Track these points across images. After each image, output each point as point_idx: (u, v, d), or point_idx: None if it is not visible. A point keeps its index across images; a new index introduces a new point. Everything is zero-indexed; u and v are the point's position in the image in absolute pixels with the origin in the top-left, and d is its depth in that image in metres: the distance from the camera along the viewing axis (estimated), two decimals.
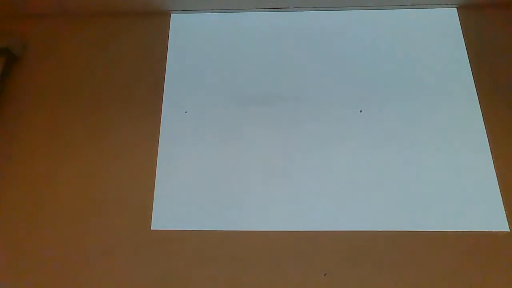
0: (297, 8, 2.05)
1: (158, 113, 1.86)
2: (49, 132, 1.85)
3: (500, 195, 1.62)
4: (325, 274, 1.54)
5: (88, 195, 1.72)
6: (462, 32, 1.95)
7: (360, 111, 1.83)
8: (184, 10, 2.09)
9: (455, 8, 2.01)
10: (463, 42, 1.92)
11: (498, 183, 1.64)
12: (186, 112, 1.87)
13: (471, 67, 1.86)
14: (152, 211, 1.68)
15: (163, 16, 2.09)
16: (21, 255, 1.64)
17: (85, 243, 1.64)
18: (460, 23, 1.97)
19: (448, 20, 1.99)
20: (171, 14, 2.09)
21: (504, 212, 1.59)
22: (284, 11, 2.06)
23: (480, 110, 1.77)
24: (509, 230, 1.57)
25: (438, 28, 1.98)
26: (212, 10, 2.08)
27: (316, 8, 2.05)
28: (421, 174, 1.69)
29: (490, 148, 1.70)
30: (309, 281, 1.54)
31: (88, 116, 1.88)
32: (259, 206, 1.67)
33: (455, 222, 1.59)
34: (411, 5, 2.01)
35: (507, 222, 1.58)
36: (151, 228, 1.65)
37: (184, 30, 2.06)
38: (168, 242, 1.63)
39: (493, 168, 1.66)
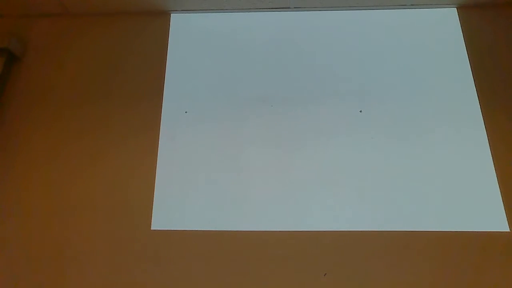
0: (297, 8, 2.06)
1: (158, 113, 1.86)
2: (49, 132, 1.85)
3: (500, 195, 1.62)
4: (325, 274, 1.54)
5: (88, 195, 1.72)
6: (462, 32, 1.95)
7: (360, 111, 1.83)
8: (184, 10, 2.09)
9: (455, 8, 2.01)
10: (463, 42, 1.92)
11: (498, 183, 1.64)
12: (186, 112, 1.87)
13: (471, 67, 1.87)
14: (152, 211, 1.68)
15: (163, 16, 2.09)
16: (20, 255, 1.64)
17: (85, 243, 1.64)
18: (460, 23, 1.97)
19: (448, 20, 1.99)
20: (171, 14, 2.10)
21: (504, 212, 1.59)
22: (284, 11, 2.06)
23: (480, 110, 1.78)
24: (509, 230, 1.57)
25: (438, 28, 1.98)
26: (212, 10, 2.08)
27: (316, 8, 2.05)
28: (421, 174, 1.69)
29: (490, 148, 1.70)
30: (309, 281, 1.54)
31: (88, 116, 1.88)
32: (259, 206, 1.67)
33: (455, 222, 1.60)
34: (411, 5, 2.01)
35: (507, 222, 1.58)
36: (151, 228, 1.65)
37: (184, 30, 2.06)
38: (168, 242, 1.63)
39: (493, 168, 1.67)
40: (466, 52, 1.90)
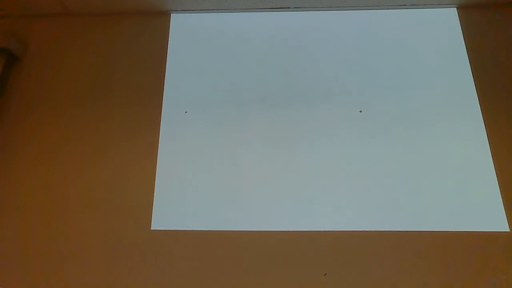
0: (297, 8, 2.06)
1: (158, 113, 1.86)
2: (49, 132, 1.85)
3: (500, 195, 1.62)
4: (325, 274, 1.54)
5: (88, 195, 1.72)
6: (462, 32, 1.95)
7: (360, 111, 1.83)
8: (184, 10, 2.09)
9: (455, 8, 2.01)
10: (463, 42, 1.92)
11: (498, 183, 1.64)
12: (186, 112, 1.87)
13: (471, 67, 1.87)
14: (152, 211, 1.68)
15: (163, 16, 2.09)
16: (19, 255, 1.64)
17: (85, 243, 1.64)
18: (460, 23, 1.97)
19: (448, 20, 1.99)
20: (171, 14, 2.10)
21: (504, 212, 1.59)
22: (284, 11, 2.06)
23: (480, 110, 1.78)
24: (509, 230, 1.57)
25: (438, 28, 1.98)
26: (212, 10, 2.08)
27: (316, 8, 2.05)
28: (421, 174, 1.69)
29: (490, 148, 1.70)
30: (309, 281, 1.54)
31: (87, 116, 1.88)
32: (259, 206, 1.67)
33: (455, 222, 1.60)
34: (411, 5, 2.01)
35: (507, 222, 1.58)
36: (151, 228, 1.65)
37: (184, 30, 2.06)
38: (168, 242, 1.63)
39: (493, 168, 1.67)
40: (466, 52, 1.90)
